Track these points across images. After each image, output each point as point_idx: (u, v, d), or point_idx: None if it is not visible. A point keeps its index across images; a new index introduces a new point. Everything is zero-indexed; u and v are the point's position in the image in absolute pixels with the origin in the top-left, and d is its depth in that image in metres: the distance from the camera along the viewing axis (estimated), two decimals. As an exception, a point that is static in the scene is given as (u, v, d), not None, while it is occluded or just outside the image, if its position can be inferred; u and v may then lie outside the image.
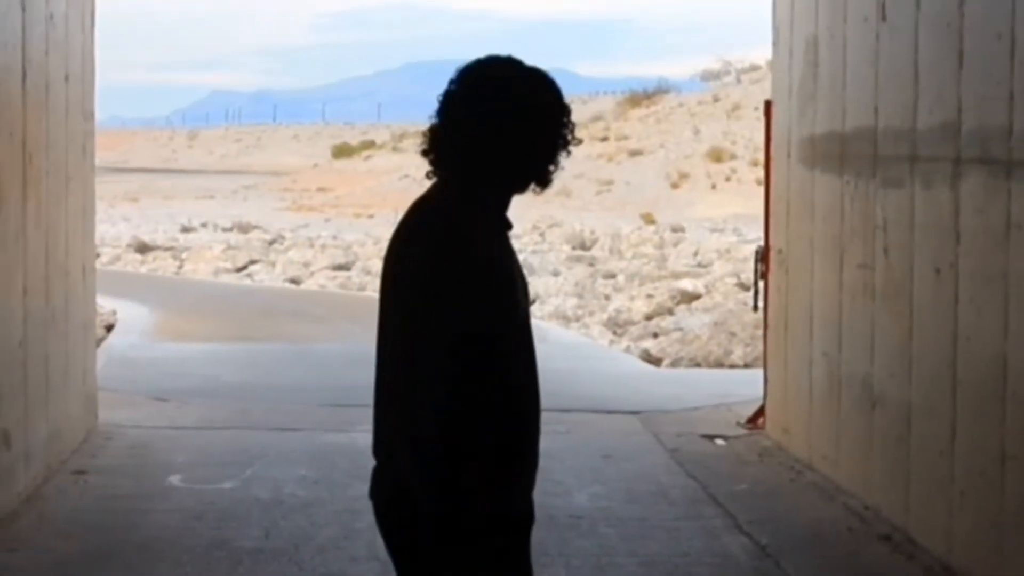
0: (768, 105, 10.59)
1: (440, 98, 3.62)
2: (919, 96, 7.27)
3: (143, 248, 32.65)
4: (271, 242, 34.76)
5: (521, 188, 3.64)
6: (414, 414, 3.48)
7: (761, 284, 10.85)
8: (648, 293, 22.17)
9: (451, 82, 3.62)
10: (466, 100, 3.57)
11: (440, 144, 3.61)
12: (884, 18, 7.79)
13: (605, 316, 20.71)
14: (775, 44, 10.26)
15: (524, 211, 30.04)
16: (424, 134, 3.67)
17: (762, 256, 10.79)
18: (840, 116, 8.59)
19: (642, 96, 72.51)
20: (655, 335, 18.69)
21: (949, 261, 6.88)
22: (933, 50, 7.12)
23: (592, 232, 34.39)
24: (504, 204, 3.65)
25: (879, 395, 7.91)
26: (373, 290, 25.99)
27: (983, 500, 6.54)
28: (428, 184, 3.66)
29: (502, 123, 3.54)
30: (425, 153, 3.65)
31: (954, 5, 6.79)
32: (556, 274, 26.08)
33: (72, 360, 9.45)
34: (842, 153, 8.55)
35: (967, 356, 6.71)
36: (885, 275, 7.82)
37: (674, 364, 16.59)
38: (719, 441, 10.28)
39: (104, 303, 16.63)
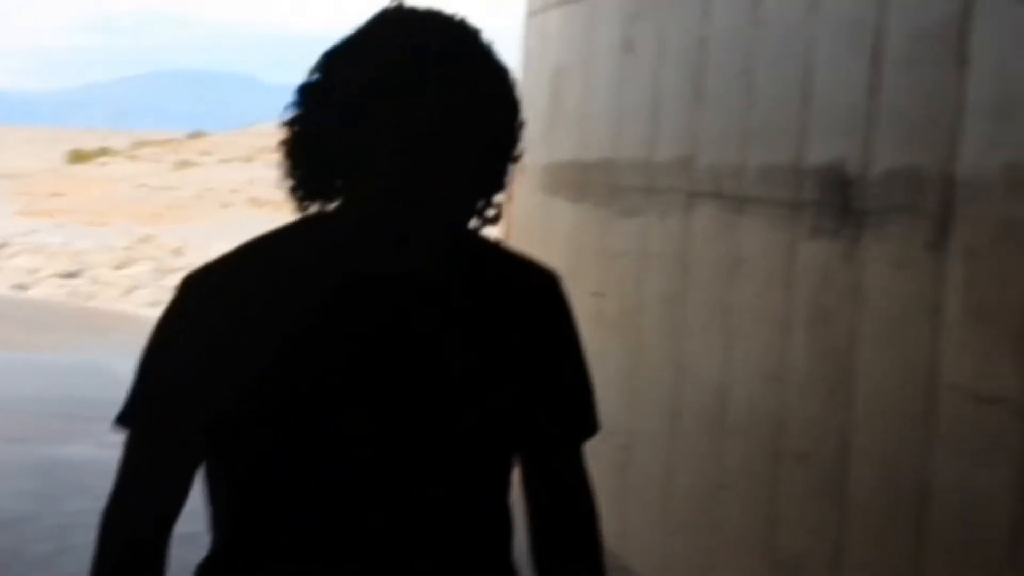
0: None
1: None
2: (659, 129, 7.40)
3: None
4: (-2, 247, 33.68)
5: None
6: None
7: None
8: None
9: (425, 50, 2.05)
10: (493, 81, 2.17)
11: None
12: (629, 51, 7.92)
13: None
14: (524, 71, 10.34)
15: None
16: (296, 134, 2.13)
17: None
18: (582, 146, 8.70)
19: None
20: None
21: (677, 291, 7.01)
22: (673, 85, 7.25)
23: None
24: None
25: (607, 423, 7.97)
26: (103, 299, 25.40)
27: (698, 528, 6.66)
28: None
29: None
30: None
31: (695, 42, 6.94)
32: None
33: None
34: (582, 182, 8.65)
35: (690, 386, 6.83)
36: (617, 303, 7.93)
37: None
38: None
39: None
